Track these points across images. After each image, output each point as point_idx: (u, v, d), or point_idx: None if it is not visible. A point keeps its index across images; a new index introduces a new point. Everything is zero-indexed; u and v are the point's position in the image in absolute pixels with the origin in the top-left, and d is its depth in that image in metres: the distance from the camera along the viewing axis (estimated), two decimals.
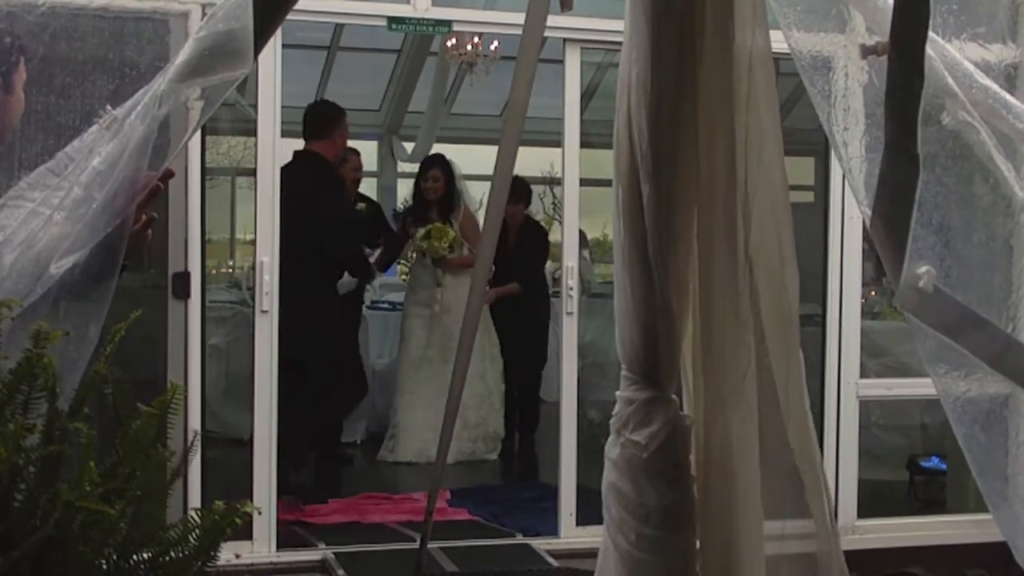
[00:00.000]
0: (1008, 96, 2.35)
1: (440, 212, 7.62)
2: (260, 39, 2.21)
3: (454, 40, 9.35)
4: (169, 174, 2.24)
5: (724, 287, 2.53)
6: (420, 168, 8.00)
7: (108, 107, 2.23)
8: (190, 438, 2.08)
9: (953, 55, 2.31)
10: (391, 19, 5.83)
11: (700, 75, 2.46)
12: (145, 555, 1.93)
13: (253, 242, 5.74)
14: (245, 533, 5.40)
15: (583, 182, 6.05)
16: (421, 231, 7.49)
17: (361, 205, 7.59)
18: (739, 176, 2.47)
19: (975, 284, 2.23)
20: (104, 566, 1.88)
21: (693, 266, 2.55)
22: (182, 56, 2.19)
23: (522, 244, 7.87)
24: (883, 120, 2.09)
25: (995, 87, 2.34)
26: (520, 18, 3.17)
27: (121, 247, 2.17)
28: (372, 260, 7.61)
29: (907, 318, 2.16)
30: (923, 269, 2.11)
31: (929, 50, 2.09)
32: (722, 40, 2.45)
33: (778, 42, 2.41)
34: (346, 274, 7.19)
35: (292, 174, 6.03)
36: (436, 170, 7.70)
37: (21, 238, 2.14)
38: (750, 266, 2.51)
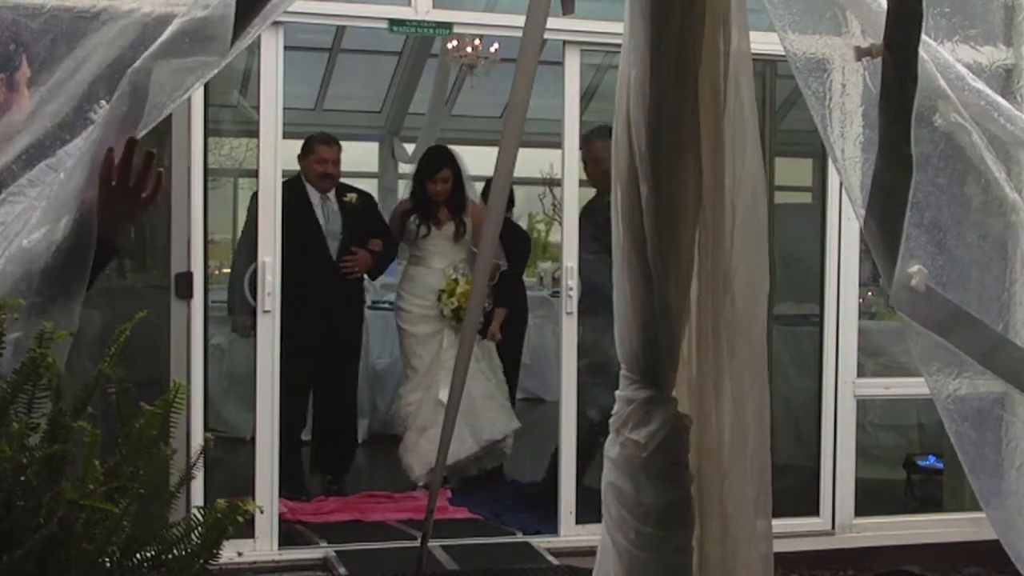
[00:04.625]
0: (999, 98, 2.36)
1: (450, 212, 6.98)
2: (240, 26, 2.24)
3: (455, 42, 9.36)
4: (132, 143, 2.22)
5: (716, 287, 2.55)
6: (424, 164, 7.23)
7: (102, 101, 2.25)
8: (200, 442, 2.09)
9: (945, 57, 2.33)
10: (392, 21, 5.86)
11: (698, 77, 2.48)
12: (148, 553, 1.94)
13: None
14: (247, 531, 5.42)
15: (583, 183, 6.07)
16: (448, 299, 6.79)
17: (351, 195, 6.95)
18: (724, 177, 2.49)
19: (967, 283, 2.25)
20: (107, 564, 1.89)
21: (691, 266, 2.57)
22: (162, 38, 2.22)
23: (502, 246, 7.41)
24: (877, 122, 2.11)
25: (987, 90, 2.36)
26: (520, 20, 3.20)
27: (92, 219, 2.17)
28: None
29: (899, 317, 2.19)
30: (915, 268, 2.13)
31: (922, 52, 2.11)
32: (718, 42, 2.47)
33: (774, 44, 2.43)
34: None
35: None
36: (447, 170, 6.97)
37: (15, 231, 2.16)
38: (731, 265, 2.53)
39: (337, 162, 6.92)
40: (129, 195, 2.26)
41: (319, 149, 6.85)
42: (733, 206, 2.51)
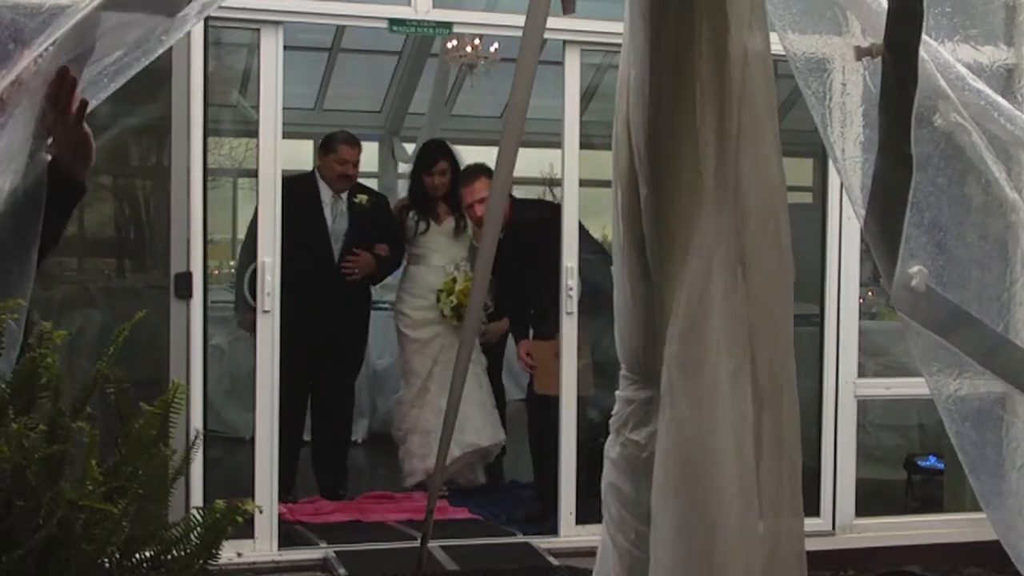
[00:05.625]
0: (999, 98, 2.36)
1: (449, 207, 6.90)
2: None
3: (455, 42, 9.36)
4: (64, 72, 2.18)
5: (722, 286, 2.54)
6: (422, 158, 7.17)
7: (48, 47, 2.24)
8: (192, 437, 2.08)
9: (945, 57, 2.33)
10: (392, 21, 5.86)
11: (698, 77, 2.47)
12: (147, 553, 1.94)
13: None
14: (247, 532, 5.41)
15: (583, 183, 6.07)
16: (447, 298, 6.70)
17: (361, 197, 6.81)
18: (729, 176, 2.48)
19: (967, 283, 2.25)
20: (107, 564, 1.89)
21: (691, 266, 2.57)
22: None
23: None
24: (877, 122, 2.11)
25: (987, 90, 2.36)
26: (520, 20, 3.19)
27: (44, 160, 2.15)
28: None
29: (900, 317, 2.19)
30: (915, 268, 2.13)
31: (922, 52, 2.11)
32: (719, 42, 2.47)
33: (774, 44, 2.43)
34: None
35: None
36: (444, 162, 6.91)
37: None
38: (745, 264, 2.52)
39: (357, 164, 6.81)
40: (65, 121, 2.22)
41: (342, 149, 6.72)
42: (746, 204, 2.49)
